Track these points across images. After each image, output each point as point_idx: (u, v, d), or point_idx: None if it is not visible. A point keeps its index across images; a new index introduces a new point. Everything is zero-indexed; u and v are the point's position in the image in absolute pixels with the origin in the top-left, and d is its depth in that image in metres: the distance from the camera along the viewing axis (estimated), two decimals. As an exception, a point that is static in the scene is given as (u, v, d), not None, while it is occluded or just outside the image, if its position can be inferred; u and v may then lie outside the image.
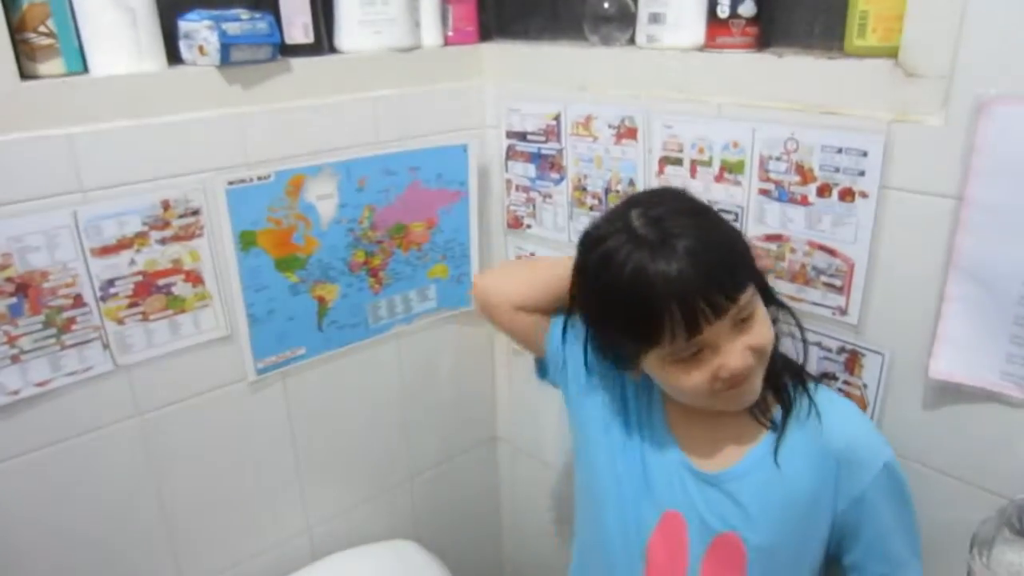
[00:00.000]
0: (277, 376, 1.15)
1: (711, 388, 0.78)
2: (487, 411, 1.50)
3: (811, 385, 0.86)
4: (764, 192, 0.93)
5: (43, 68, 0.90)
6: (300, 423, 1.21)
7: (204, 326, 1.05)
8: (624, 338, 0.81)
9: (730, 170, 0.96)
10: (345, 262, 1.18)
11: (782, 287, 0.94)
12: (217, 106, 1.00)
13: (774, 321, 0.83)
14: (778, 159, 0.91)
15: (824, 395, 0.86)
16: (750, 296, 0.77)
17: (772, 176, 0.92)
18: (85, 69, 0.94)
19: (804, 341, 0.88)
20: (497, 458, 1.55)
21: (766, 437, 0.84)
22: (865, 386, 0.89)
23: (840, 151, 0.85)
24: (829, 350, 0.92)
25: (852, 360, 0.90)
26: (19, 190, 0.87)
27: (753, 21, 0.95)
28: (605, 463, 0.90)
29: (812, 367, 0.94)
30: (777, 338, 0.83)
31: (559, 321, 0.98)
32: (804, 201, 0.89)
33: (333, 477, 1.28)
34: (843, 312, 0.89)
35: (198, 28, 0.97)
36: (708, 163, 0.98)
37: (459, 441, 1.47)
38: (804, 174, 0.89)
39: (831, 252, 0.89)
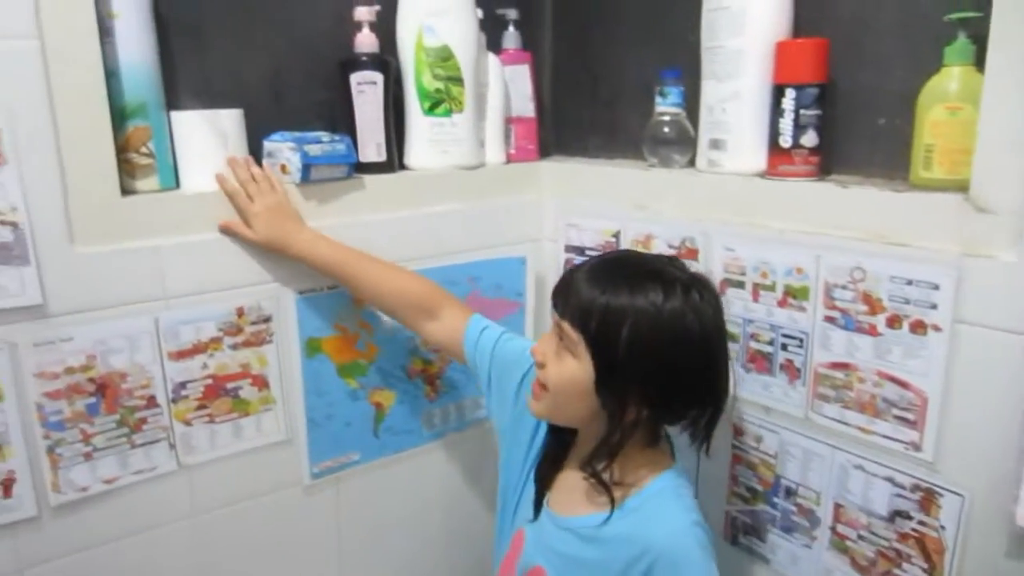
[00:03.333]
0: (330, 481, 1.16)
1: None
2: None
3: (650, 482, 0.86)
4: (830, 319, 0.92)
5: (140, 184, 0.96)
6: (348, 528, 1.20)
7: (266, 429, 1.07)
8: None
9: (794, 296, 0.96)
10: (404, 369, 1.20)
11: (851, 417, 0.92)
12: (294, 219, 1.05)
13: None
14: (844, 287, 0.90)
15: (661, 493, 0.86)
16: (572, 335, 0.82)
17: (838, 304, 0.91)
18: (177, 185, 1.00)
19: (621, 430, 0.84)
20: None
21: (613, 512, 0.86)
22: (943, 528, 0.85)
23: (910, 283, 0.84)
24: (902, 487, 0.88)
25: (927, 500, 0.86)
26: (108, 296, 0.92)
27: (815, 150, 0.97)
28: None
29: (884, 504, 0.90)
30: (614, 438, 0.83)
31: (476, 323, 1.04)
32: (872, 331, 0.88)
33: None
34: (917, 448, 0.86)
35: (281, 148, 1.03)
36: (771, 288, 0.98)
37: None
38: (872, 304, 0.88)
39: (903, 384, 0.86)
